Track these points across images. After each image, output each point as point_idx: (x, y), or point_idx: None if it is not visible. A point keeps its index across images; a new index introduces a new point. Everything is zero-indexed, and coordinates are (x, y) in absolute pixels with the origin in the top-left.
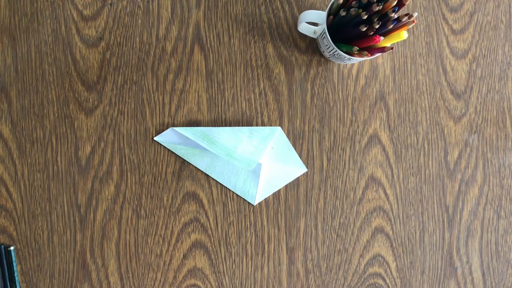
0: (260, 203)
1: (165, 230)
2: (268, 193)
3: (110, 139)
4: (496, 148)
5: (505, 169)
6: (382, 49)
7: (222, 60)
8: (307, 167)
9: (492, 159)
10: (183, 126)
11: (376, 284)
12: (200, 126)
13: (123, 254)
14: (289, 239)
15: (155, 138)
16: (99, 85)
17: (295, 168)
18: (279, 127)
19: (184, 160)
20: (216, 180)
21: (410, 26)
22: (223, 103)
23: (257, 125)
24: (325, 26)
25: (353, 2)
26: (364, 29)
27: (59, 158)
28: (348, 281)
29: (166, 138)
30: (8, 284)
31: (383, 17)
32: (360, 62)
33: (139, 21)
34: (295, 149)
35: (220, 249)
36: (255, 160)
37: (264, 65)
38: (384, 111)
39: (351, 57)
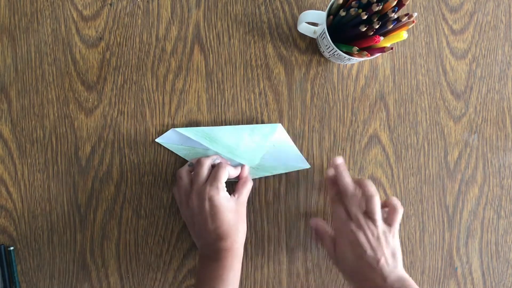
0: (260, 203)
1: (165, 230)
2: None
3: (110, 139)
4: (496, 148)
5: (505, 169)
6: (382, 49)
7: (222, 60)
8: None
9: (492, 159)
10: (183, 126)
11: None
12: (200, 126)
13: (123, 254)
14: (289, 239)
15: (156, 140)
16: (99, 85)
17: (298, 164)
18: (279, 124)
19: (185, 160)
20: None
21: (410, 26)
22: (223, 103)
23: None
24: (325, 26)
25: (353, 2)
26: (364, 29)
27: (59, 158)
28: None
29: (167, 139)
30: (8, 284)
31: (383, 17)
32: (360, 62)
33: (139, 21)
34: None
35: None
36: (258, 156)
37: (264, 65)
38: (384, 111)
39: (351, 57)
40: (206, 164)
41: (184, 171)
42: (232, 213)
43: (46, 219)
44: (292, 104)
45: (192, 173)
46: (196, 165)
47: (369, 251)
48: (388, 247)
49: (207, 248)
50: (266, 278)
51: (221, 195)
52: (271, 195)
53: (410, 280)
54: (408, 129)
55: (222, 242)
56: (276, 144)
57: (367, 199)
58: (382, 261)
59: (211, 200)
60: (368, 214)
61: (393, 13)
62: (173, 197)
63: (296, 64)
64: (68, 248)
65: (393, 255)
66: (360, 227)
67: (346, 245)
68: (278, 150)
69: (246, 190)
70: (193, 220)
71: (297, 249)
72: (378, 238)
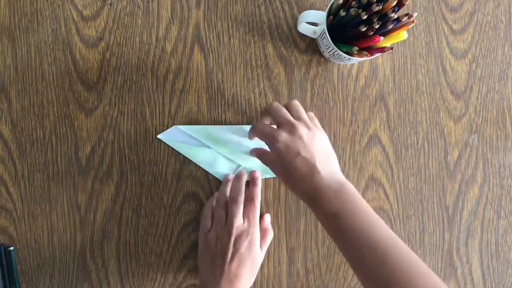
0: (260, 203)
1: (165, 230)
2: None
3: (110, 139)
4: (496, 148)
5: (505, 169)
6: (382, 49)
7: (222, 60)
8: None
9: (492, 159)
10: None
11: None
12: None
13: (123, 254)
14: (289, 239)
15: (158, 136)
16: (99, 85)
17: None
18: None
19: (184, 160)
20: (217, 179)
21: (410, 26)
22: (223, 103)
23: None
24: (325, 26)
25: (353, 2)
26: (364, 29)
27: (59, 158)
28: (348, 281)
29: (169, 136)
30: (8, 284)
31: (383, 17)
32: (360, 62)
33: (139, 21)
34: None
35: None
36: None
37: (264, 65)
38: (384, 111)
39: (351, 57)
40: (241, 204)
41: (240, 214)
42: (256, 263)
43: (46, 219)
44: None
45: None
46: (232, 206)
47: (303, 153)
48: (326, 153)
49: (216, 283)
50: (266, 278)
51: (259, 242)
52: (271, 195)
53: (350, 186)
54: (408, 129)
55: (229, 285)
56: None
57: (290, 107)
58: (318, 163)
59: (250, 243)
60: (296, 119)
61: (393, 13)
62: (173, 197)
63: (296, 64)
64: (68, 248)
65: (328, 157)
66: (292, 128)
67: (283, 149)
68: None
69: (268, 243)
70: (218, 250)
71: (297, 249)
72: (311, 138)
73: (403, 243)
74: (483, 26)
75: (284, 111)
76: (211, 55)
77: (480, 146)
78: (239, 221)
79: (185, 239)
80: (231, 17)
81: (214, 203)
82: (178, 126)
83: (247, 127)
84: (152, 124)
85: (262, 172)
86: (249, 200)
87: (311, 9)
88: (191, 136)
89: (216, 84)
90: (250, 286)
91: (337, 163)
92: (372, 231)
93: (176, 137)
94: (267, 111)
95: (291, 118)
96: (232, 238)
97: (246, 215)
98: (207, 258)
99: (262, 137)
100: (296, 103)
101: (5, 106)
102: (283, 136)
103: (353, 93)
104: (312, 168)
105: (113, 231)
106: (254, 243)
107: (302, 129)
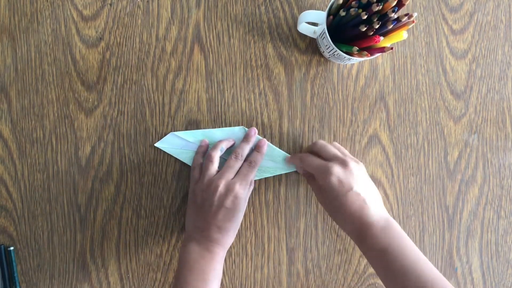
0: (260, 203)
1: (165, 230)
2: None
3: (110, 139)
4: (496, 148)
5: (505, 169)
6: (382, 49)
7: (222, 60)
8: None
9: (492, 159)
10: (183, 126)
11: (376, 284)
12: (200, 126)
13: (123, 254)
14: (289, 239)
15: (155, 145)
16: (99, 85)
17: (286, 165)
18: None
19: (183, 161)
20: None
21: (410, 26)
22: (223, 103)
23: (257, 125)
24: (325, 26)
25: (353, 2)
26: (364, 29)
27: (59, 158)
28: (348, 281)
29: (167, 143)
30: (8, 284)
31: (383, 17)
32: (360, 62)
33: (139, 21)
34: (293, 150)
35: None
36: None
37: (264, 65)
38: (384, 111)
39: (351, 57)
40: (240, 161)
41: (217, 156)
42: (241, 216)
43: (46, 219)
44: (292, 104)
45: (224, 161)
46: (232, 158)
47: (355, 188)
48: (372, 188)
49: (200, 234)
50: (266, 278)
51: (245, 199)
52: (271, 195)
53: (394, 221)
54: (408, 129)
55: (219, 236)
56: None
57: (335, 146)
58: (368, 199)
59: (236, 198)
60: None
61: (393, 13)
62: (173, 197)
63: (296, 64)
64: (68, 248)
65: (374, 191)
66: (344, 163)
67: (336, 183)
68: (267, 153)
69: (249, 195)
70: (203, 202)
71: (297, 249)
72: (362, 173)
73: (448, 281)
74: (483, 26)
75: (331, 147)
76: (211, 55)
77: (480, 146)
78: (230, 176)
79: None
80: (231, 17)
81: (200, 153)
82: (175, 133)
83: (244, 129)
84: (152, 124)
85: (261, 171)
86: (249, 162)
87: (311, 9)
88: (188, 141)
89: (216, 84)
90: (233, 237)
91: (380, 197)
92: (420, 268)
93: (173, 144)
94: (311, 149)
95: (340, 154)
96: (217, 193)
97: (240, 172)
98: (193, 209)
99: (313, 170)
100: (336, 144)
101: (5, 106)
102: (336, 169)
103: (353, 93)
104: (363, 204)
105: (113, 231)
106: (240, 200)
107: (352, 164)
